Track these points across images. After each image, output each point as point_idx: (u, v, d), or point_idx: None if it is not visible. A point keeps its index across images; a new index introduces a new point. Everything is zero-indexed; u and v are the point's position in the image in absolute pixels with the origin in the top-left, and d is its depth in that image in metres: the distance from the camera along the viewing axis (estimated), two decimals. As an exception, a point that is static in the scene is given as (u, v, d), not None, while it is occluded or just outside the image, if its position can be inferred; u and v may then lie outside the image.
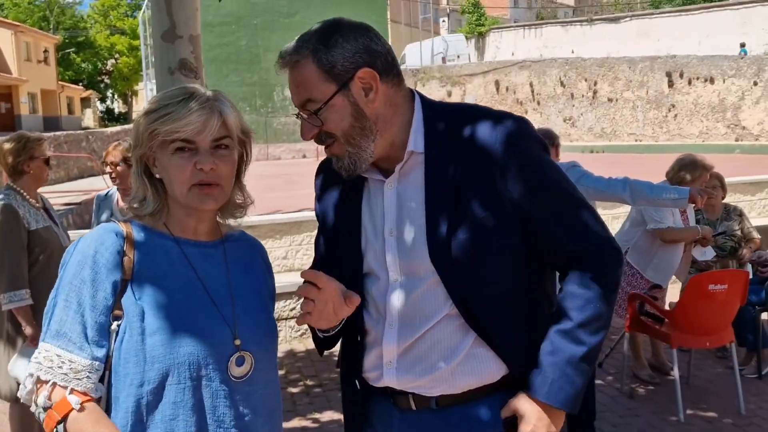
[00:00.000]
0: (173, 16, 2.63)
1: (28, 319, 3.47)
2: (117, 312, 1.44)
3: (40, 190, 3.78)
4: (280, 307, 6.00)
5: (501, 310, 1.54)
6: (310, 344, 5.93)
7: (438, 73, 32.89)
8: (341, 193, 1.68)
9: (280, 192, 14.93)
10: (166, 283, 1.49)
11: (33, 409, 1.43)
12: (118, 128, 31.88)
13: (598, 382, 4.64)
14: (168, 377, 1.42)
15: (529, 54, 35.65)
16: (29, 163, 3.61)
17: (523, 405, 1.53)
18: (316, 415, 4.42)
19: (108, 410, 1.44)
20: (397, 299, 1.57)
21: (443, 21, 46.60)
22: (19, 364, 3.50)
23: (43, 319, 1.48)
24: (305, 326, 6.12)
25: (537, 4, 57.56)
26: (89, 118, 47.20)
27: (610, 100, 29.40)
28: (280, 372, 5.26)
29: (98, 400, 1.43)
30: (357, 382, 1.67)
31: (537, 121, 24.95)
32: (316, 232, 1.79)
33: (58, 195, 12.56)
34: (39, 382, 1.41)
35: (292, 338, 6.07)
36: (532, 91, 31.43)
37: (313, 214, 1.78)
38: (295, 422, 4.33)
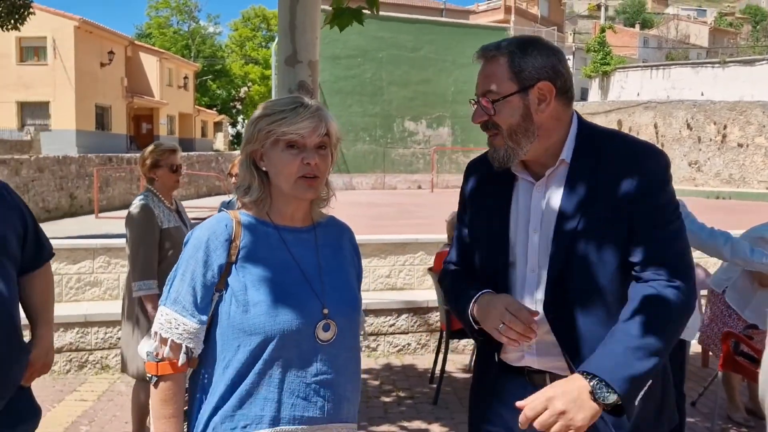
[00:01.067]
0: (296, 44, 2.99)
1: (154, 306, 3.90)
2: (220, 286, 1.75)
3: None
4: (380, 323, 6.28)
5: (601, 303, 1.75)
6: (407, 360, 6.18)
7: (559, 111, 32.67)
8: (493, 191, 1.91)
9: (392, 220, 15.31)
10: (267, 264, 1.78)
11: (144, 356, 1.78)
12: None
13: (689, 420, 4.61)
14: (264, 341, 1.71)
15: (656, 95, 34.74)
16: (156, 170, 4.10)
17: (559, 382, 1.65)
18: (405, 423, 4.65)
19: (205, 364, 1.77)
20: (535, 288, 1.80)
21: (569, 58, 46.22)
22: (147, 345, 3.93)
23: (164, 287, 1.82)
24: (402, 342, 6.35)
25: (668, 45, 55.97)
26: (220, 142, 49.86)
27: (740, 145, 28.17)
28: (375, 382, 5.54)
29: (193, 359, 1.77)
30: (496, 356, 1.88)
31: (660, 164, 24.23)
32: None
33: (188, 210, 13.49)
34: (162, 339, 1.75)
35: (390, 353, 6.32)
36: (657, 133, 30.57)
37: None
38: (385, 427, 4.57)
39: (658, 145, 24.13)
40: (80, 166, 18.42)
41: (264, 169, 1.81)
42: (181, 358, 1.73)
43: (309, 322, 1.75)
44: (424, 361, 6.11)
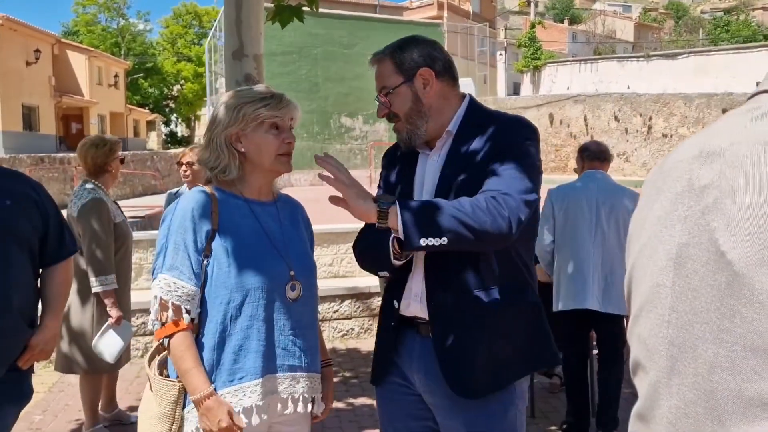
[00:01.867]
0: (242, 38, 3.18)
1: (113, 302, 3.95)
2: (207, 252, 1.99)
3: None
4: (324, 309, 6.51)
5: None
6: (351, 344, 6.42)
7: (492, 106, 33.38)
8: (401, 167, 2.20)
9: (333, 214, 15.51)
10: (241, 232, 2.04)
11: (150, 325, 1.99)
12: (180, 150, 33.17)
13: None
14: (246, 297, 1.97)
15: (585, 88, 35.86)
16: (113, 162, 4.20)
17: None
18: (351, 400, 4.89)
19: (200, 324, 1.99)
20: None
21: (500, 54, 47.17)
22: (103, 341, 3.99)
23: (155, 258, 2.03)
24: (346, 327, 6.53)
25: (595, 40, 57.69)
26: (153, 141, 49.06)
27: (664, 135, 29.36)
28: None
29: (193, 320, 1.99)
30: (395, 303, 2.11)
31: (589, 155, 25.21)
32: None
33: (125, 209, 13.38)
34: (162, 302, 1.97)
35: (335, 338, 6.56)
36: (586, 125, 31.58)
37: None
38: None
39: (588, 137, 24.98)
40: (11, 166, 18.00)
41: (242, 149, 2.05)
42: (185, 318, 1.96)
43: (280, 282, 2.02)
44: (367, 344, 6.36)
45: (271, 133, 2.05)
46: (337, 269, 7.03)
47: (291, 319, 2.04)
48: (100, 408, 4.36)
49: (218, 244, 1.99)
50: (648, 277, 0.95)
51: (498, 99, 34.71)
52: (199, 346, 1.99)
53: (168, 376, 2.06)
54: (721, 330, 0.82)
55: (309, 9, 3.66)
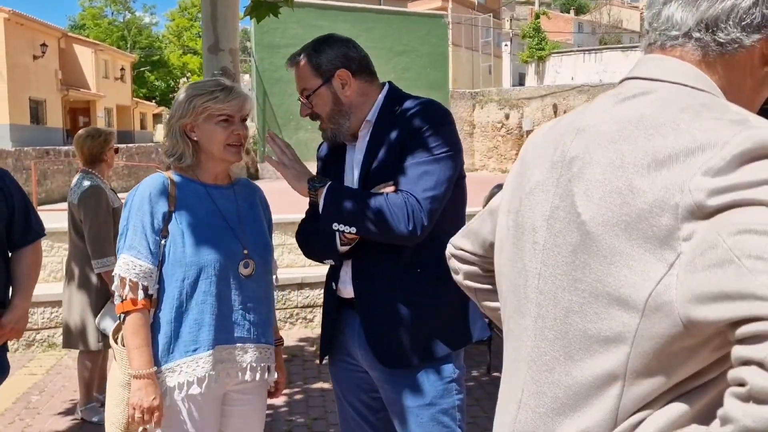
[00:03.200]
0: (218, 34, 3.36)
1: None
2: (164, 233, 2.17)
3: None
4: (316, 295, 6.70)
5: None
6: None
7: (496, 96, 33.40)
8: (333, 158, 2.34)
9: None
10: (197, 213, 2.22)
11: (116, 300, 2.17)
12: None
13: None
14: (200, 274, 2.15)
15: (589, 79, 35.82)
16: (108, 152, 4.41)
17: None
18: (306, 386, 5.09)
19: (159, 300, 2.17)
20: None
21: (506, 45, 47.10)
22: (105, 318, 4.23)
23: (118, 239, 2.21)
24: (302, 316, 6.64)
25: (601, 30, 57.49)
26: (160, 133, 49.25)
27: (668, 125, 29.35)
28: (312, 348, 5.95)
29: (152, 296, 2.17)
30: (333, 285, 2.26)
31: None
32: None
33: (128, 199, 13.61)
34: (121, 279, 2.15)
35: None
36: (589, 115, 31.58)
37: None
38: (319, 384, 5.01)
39: None
40: (17, 159, 18.23)
41: (195, 138, 2.22)
42: (140, 295, 2.13)
43: (233, 259, 2.19)
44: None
45: (221, 125, 2.20)
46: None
47: (242, 294, 2.21)
48: (94, 389, 4.57)
49: (174, 225, 2.17)
50: (527, 234, 1.13)
51: (502, 90, 34.73)
52: (158, 319, 2.17)
53: None
54: (575, 279, 1.00)
55: (284, 5, 3.82)
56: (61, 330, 5.99)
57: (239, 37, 3.45)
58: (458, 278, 1.46)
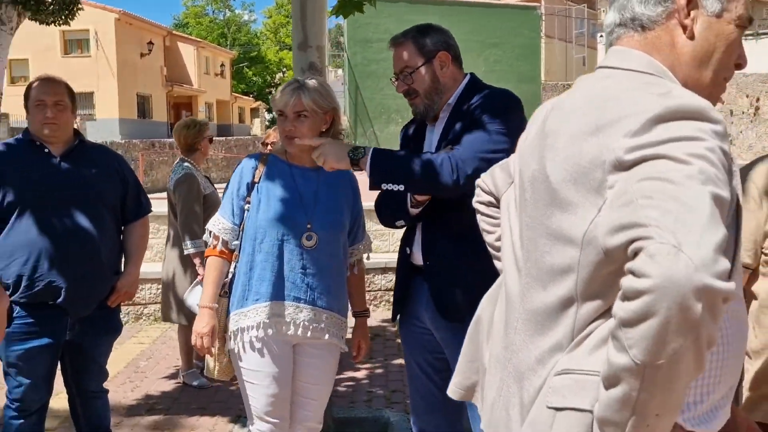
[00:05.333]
0: (306, 31, 3.68)
1: (201, 262, 4.55)
2: (248, 200, 2.55)
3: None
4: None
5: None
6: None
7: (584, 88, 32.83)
8: (414, 138, 2.62)
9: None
10: (275, 188, 2.58)
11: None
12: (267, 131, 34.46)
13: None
14: (267, 238, 2.52)
15: (689, 69, 34.55)
16: (201, 141, 4.82)
17: None
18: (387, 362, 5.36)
19: (239, 254, 2.57)
20: None
21: (601, 36, 46.02)
22: (191, 296, 4.63)
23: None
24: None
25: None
26: (257, 127, 50.87)
27: (773, 117, 28.09)
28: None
29: (232, 249, 2.60)
30: (407, 250, 2.54)
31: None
32: None
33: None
34: (209, 231, 2.60)
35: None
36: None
37: None
38: (368, 364, 5.31)
39: None
40: (126, 151, 19.48)
41: None
42: (219, 246, 2.57)
43: (297, 230, 2.53)
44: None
45: (280, 119, 2.57)
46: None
47: (303, 261, 2.54)
48: (194, 356, 5.01)
49: (255, 194, 2.57)
50: (522, 191, 1.39)
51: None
52: (237, 271, 2.58)
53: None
54: (546, 227, 1.26)
55: (369, 3, 4.11)
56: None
57: (332, 33, 3.75)
58: (474, 200, 1.74)
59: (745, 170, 2.01)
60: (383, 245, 7.50)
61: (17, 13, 7.59)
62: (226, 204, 2.62)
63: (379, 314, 6.88)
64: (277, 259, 2.53)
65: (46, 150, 2.95)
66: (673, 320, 0.94)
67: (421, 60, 2.45)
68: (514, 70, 27.58)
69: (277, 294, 2.54)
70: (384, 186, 2.29)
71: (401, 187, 2.29)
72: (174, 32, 41.25)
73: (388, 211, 2.56)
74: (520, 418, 1.26)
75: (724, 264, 0.95)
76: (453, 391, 1.70)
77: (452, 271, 2.42)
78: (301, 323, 2.56)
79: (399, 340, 5.89)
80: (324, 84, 2.67)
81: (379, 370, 5.19)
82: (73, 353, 3.04)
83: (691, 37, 1.27)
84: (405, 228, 2.60)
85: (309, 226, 2.55)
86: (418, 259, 2.51)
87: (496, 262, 1.68)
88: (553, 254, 1.23)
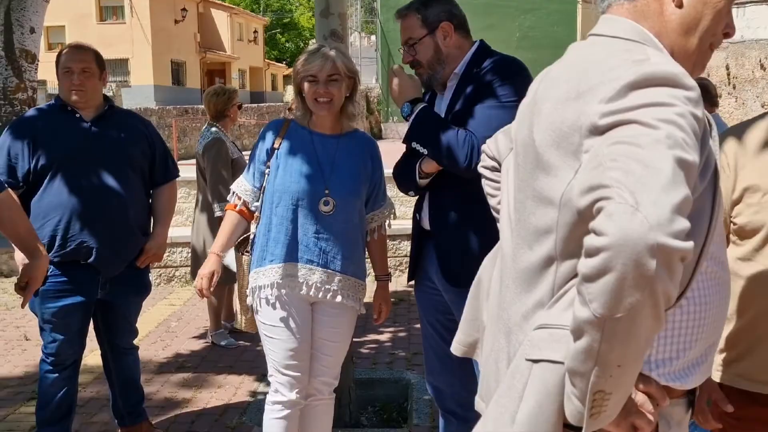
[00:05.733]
0: (329, -1, 3.73)
1: None
2: (268, 164, 2.64)
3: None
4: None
5: None
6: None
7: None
8: (429, 103, 2.65)
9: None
10: (294, 153, 2.65)
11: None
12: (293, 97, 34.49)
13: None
14: (283, 201, 2.62)
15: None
16: (231, 108, 4.93)
17: None
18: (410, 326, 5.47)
19: (259, 217, 2.69)
20: None
21: None
22: (228, 255, 4.79)
23: None
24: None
25: (748, -18, 53.59)
26: (289, 94, 50.76)
27: (817, 84, 27.30)
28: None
29: (253, 210, 2.73)
30: (417, 216, 2.65)
31: (731, 106, 23.89)
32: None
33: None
34: (232, 190, 2.75)
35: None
36: (728, 74, 29.85)
37: None
38: (392, 328, 5.46)
39: (730, 87, 23.20)
40: (160, 117, 19.72)
41: (303, 95, 2.66)
42: (238, 204, 2.73)
43: (314, 196, 2.61)
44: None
45: (310, 84, 2.61)
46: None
47: (318, 226, 2.62)
48: (222, 317, 5.18)
49: (275, 159, 2.66)
50: (516, 156, 1.45)
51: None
52: (257, 232, 2.71)
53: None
54: (533, 189, 1.33)
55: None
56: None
57: (346, 1, 3.81)
58: (479, 165, 1.85)
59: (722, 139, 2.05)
60: (409, 212, 7.56)
61: (54, -21, 7.74)
62: (249, 167, 2.74)
63: (404, 279, 6.97)
64: (290, 222, 2.62)
65: (77, 115, 3.07)
66: (629, 276, 0.99)
67: (423, 32, 2.52)
68: (550, 35, 27.10)
69: (291, 256, 2.64)
70: (413, 145, 2.44)
71: (425, 151, 2.41)
72: (207, -1, 41.29)
73: (401, 180, 2.66)
74: (506, 369, 1.33)
75: (682, 224, 1.00)
76: (456, 347, 1.78)
77: (458, 238, 2.50)
78: (314, 284, 2.65)
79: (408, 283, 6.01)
80: (341, 48, 2.79)
81: (402, 334, 5.30)
82: (105, 311, 3.19)
83: (680, 5, 1.31)
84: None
85: (327, 191, 2.62)
86: (427, 223, 2.60)
87: (498, 225, 1.75)
88: (537, 215, 1.30)
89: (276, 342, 2.70)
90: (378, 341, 5.09)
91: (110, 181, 3.04)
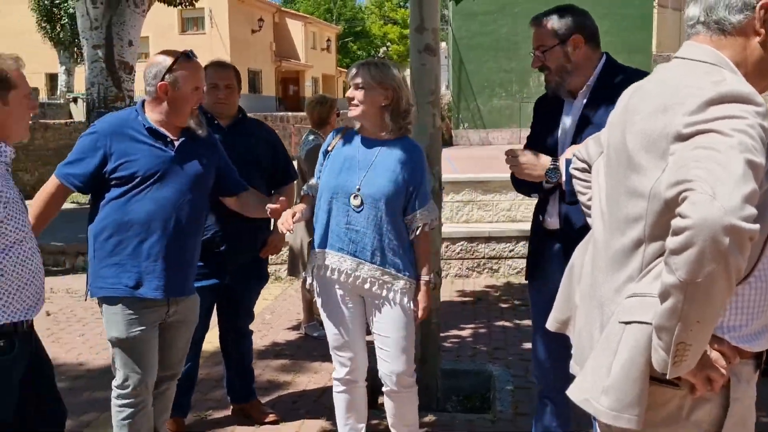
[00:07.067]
0: (423, 15, 4.04)
1: None
2: (324, 163, 3.07)
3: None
4: (501, 248, 7.34)
5: None
6: (523, 280, 7.22)
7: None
8: (551, 111, 2.84)
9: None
10: (340, 155, 3.02)
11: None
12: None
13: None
14: (323, 194, 3.00)
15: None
16: (332, 116, 5.31)
17: None
18: (517, 321, 5.73)
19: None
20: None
21: (719, 4, 43.79)
22: None
23: None
24: (521, 265, 7.43)
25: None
26: (361, 101, 51.58)
27: None
28: (496, 294, 6.63)
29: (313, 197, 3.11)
30: (540, 217, 2.86)
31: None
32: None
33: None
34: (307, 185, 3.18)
35: (509, 274, 7.37)
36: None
37: None
38: (472, 324, 5.70)
39: None
40: (240, 124, 20.52)
41: None
42: (304, 192, 3.15)
43: (347, 191, 2.94)
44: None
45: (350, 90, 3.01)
46: (515, 214, 7.79)
47: (349, 218, 2.93)
48: (315, 311, 5.55)
49: (326, 161, 3.07)
50: (608, 158, 1.75)
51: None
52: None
53: None
54: (623, 185, 1.62)
55: (479, -13, 4.42)
56: (284, 266, 7.17)
57: (438, 17, 4.12)
58: (570, 167, 2.12)
59: None
60: (486, 215, 7.84)
61: (148, -5, 8.35)
62: (317, 166, 3.15)
63: (483, 280, 7.26)
64: (326, 213, 2.98)
65: (216, 122, 3.52)
66: (707, 250, 1.29)
67: (555, 41, 2.68)
68: (624, 40, 26.81)
69: (324, 243, 3.00)
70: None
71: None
72: (283, 9, 42.42)
73: (525, 185, 2.85)
74: (600, 335, 1.63)
75: (750, 210, 1.29)
76: (551, 324, 2.06)
77: (583, 236, 2.72)
78: (344, 271, 2.96)
79: (501, 304, 6.27)
80: (386, 62, 3.07)
81: (483, 330, 5.57)
82: (229, 295, 3.60)
83: (764, 45, 1.58)
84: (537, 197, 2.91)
85: (358, 189, 2.93)
86: (552, 223, 2.80)
87: (587, 219, 2.03)
88: (628, 207, 1.59)
89: (326, 322, 3.10)
90: (460, 336, 5.38)
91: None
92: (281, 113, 23.53)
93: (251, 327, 3.94)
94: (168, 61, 2.80)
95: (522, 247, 7.31)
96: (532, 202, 3.04)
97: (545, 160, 2.68)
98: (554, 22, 2.70)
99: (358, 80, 2.94)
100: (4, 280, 2.26)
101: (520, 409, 3.95)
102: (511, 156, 2.75)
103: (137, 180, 2.73)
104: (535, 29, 2.77)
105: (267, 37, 36.90)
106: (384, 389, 3.12)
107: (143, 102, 2.88)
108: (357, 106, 2.94)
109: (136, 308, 2.76)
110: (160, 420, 3.08)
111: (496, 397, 4.16)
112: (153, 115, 2.84)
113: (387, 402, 3.14)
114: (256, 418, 3.78)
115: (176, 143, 2.84)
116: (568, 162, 2.46)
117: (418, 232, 2.99)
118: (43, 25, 23.31)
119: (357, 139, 3.03)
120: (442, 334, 4.47)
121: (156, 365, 2.88)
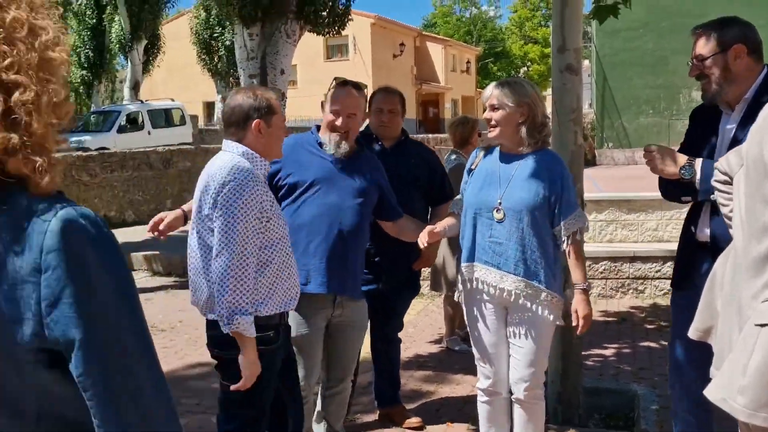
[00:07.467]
0: (565, 35, 4.13)
1: None
2: (468, 180, 3.25)
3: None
4: (647, 269, 7.17)
5: None
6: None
7: None
8: (707, 121, 2.86)
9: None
10: (482, 171, 3.17)
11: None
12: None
13: None
14: (468, 210, 3.12)
15: None
16: (473, 137, 5.47)
17: None
18: (634, 343, 5.59)
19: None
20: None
21: None
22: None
23: None
24: (667, 286, 7.20)
25: None
26: (501, 122, 51.36)
27: None
28: (641, 315, 6.49)
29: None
30: (692, 228, 2.86)
31: None
32: (686, 208, 2.98)
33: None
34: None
35: (656, 295, 7.17)
36: None
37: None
38: (615, 344, 5.58)
39: None
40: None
41: None
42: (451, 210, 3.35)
43: (488, 206, 3.06)
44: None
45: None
46: (662, 234, 7.58)
47: (491, 231, 3.04)
48: (456, 325, 5.70)
49: (470, 178, 3.26)
50: (746, 169, 1.80)
51: None
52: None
53: None
54: (761, 194, 1.67)
55: (623, 5, 4.45)
56: (425, 284, 7.35)
57: (580, 37, 4.20)
58: (712, 180, 2.16)
59: None
60: (631, 235, 7.68)
61: (299, 26, 8.89)
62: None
63: (627, 301, 7.11)
64: (472, 228, 3.09)
65: (380, 143, 3.81)
66: None
67: (715, 50, 2.69)
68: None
69: (471, 257, 3.10)
70: (713, 197, 2.43)
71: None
72: (423, 32, 43.23)
73: (676, 188, 2.82)
74: (737, 338, 1.68)
75: None
76: (692, 333, 2.11)
77: None
78: (490, 283, 3.04)
79: (647, 325, 6.14)
80: (518, 80, 3.19)
81: (627, 350, 5.49)
82: (382, 302, 3.82)
83: None
84: (690, 209, 2.91)
85: (499, 202, 3.02)
86: (703, 236, 2.79)
87: (729, 230, 2.06)
88: (765, 215, 1.64)
89: (471, 334, 3.21)
90: (603, 356, 5.33)
91: (399, 196, 3.66)
92: (422, 135, 23.94)
93: (398, 337, 4.16)
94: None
95: (669, 268, 7.09)
96: (680, 221, 3.02)
97: (681, 158, 2.71)
98: (717, 31, 2.71)
99: (494, 102, 3.07)
100: (272, 273, 2.55)
101: (665, 428, 3.89)
102: (648, 151, 2.79)
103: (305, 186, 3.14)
104: (696, 39, 2.79)
105: (408, 61, 37.71)
106: (512, 397, 3.22)
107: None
108: (495, 127, 3.06)
109: (306, 308, 3.03)
110: (336, 420, 3.40)
111: (640, 416, 4.11)
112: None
113: (515, 410, 3.24)
114: (401, 423, 3.98)
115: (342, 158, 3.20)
116: (707, 163, 2.51)
117: (569, 241, 3.02)
118: (203, 57, 25.08)
119: (497, 156, 3.15)
120: (584, 353, 4.47)
121: (318, 366, 3.14)
